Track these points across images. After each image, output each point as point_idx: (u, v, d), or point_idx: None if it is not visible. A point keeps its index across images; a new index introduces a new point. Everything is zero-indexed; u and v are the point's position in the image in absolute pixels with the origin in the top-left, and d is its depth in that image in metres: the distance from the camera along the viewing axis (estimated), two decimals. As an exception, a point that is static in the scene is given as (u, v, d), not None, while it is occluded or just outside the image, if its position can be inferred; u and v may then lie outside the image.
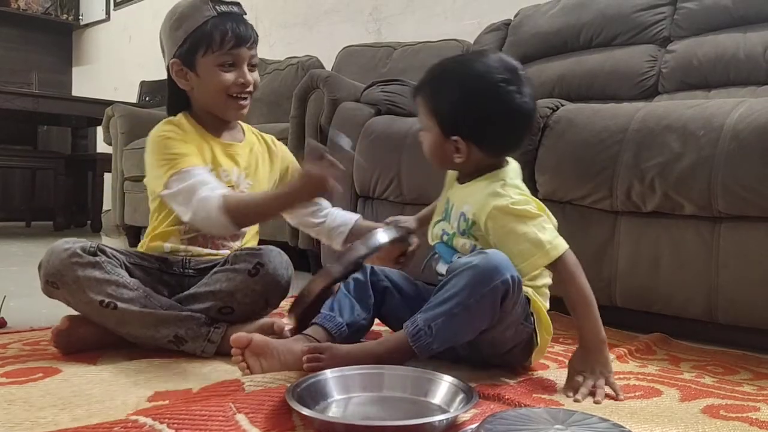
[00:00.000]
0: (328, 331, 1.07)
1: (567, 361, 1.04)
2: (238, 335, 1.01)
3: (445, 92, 1.07)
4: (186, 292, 1.19)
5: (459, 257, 1.06)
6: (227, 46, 1.24)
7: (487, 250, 0.99)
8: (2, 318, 1.39)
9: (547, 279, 1.09)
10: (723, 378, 1.10)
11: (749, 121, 1.25)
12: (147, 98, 4.13)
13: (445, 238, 1.12)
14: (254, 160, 1.35)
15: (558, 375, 1.05)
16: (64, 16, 5.23)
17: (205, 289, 1.17)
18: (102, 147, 4.05)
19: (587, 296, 0.99)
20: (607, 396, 0.95)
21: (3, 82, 4.15)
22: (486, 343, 1.02)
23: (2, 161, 3.90)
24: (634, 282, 1.41)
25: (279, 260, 1.19)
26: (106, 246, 1.17)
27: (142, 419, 0.77)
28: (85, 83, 5.21)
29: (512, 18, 2.48)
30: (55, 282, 1.11)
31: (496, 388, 0.95)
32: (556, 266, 1.01)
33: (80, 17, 5.27)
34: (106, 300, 1.10)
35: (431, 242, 1.16)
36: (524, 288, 1.02)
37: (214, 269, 1.20)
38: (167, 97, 1.36)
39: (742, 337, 1.33)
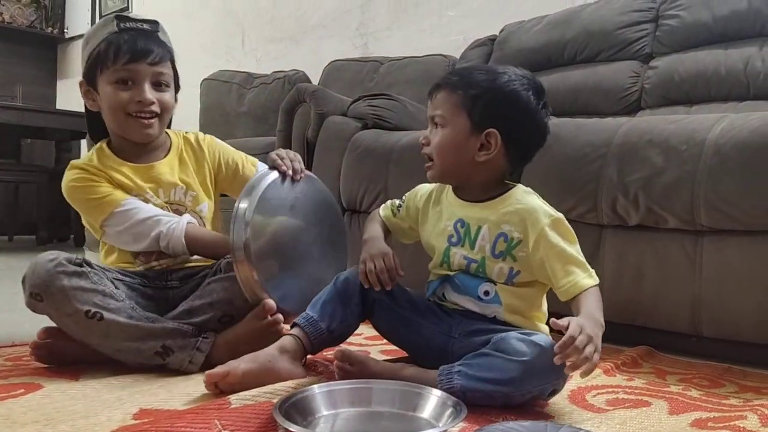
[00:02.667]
0: (307, 336, 1.06)
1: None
2: (210, 374, 0.97)
3: (480, 85, 1.05)
4: (180, 308, 1.17)
5: (485, 292, 1.05)
6: (121, 61, 1.21)
7: (543, 342, 0.91)
8: (-17, 333, 1.37)
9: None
10: (709, 391, 1.10)
11: (730, 136, 1.27)
12: (132, 112, 4.10)
13: (473, 266, 1.06)
14: (186, 170, 1.32)
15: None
16: (50, 30, 5.20)
17: (201, 302, 1.16)
18: (86, 160, 4.02)
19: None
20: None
21: (-14, 95, 4.12)
22: None
23: (-15, 175, 3.86)
24: (619, 295, 1.41)
25: None
26: (91, 260, 1.16)
27: (126, 436, 0.77)
28: (70, 96, 5.17)
29: (498, 34, 2.51)
30: (39, 294, 1.08)
31: (484, 402, 0.95)
32: (597, 290, 1.00)
33: (65, 30, 5.25)
34: (93, 310, 1.08)
35: (447, 271, 1.10)
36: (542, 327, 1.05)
37: (207, 280, 1.19)
38: (86, 122, 1.35)
39: (726, 350, 1.34)
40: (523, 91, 1.05)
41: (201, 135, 1.39)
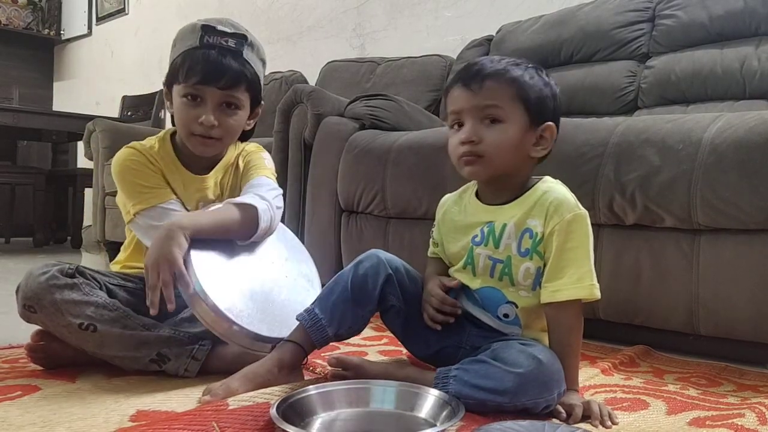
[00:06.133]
0: (310, 339, 1.02)
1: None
2: (206, 402, 0.93)
3: (528, 76, 1.00)
4: (182, 315, 1.16)
5: (505, 315, 1.02)
6: (192, 80, 1.16)
7: (541, 356, 0.90)
8: (-20, 336, 1.37)
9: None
10: (707, 390, 1.10)
11: (727, 135, 1.27)
12: (129, 113, 4.10)
13: (498, 267, 1.01)
14: (224, 185, 1.29)
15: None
16: (46, 31, 5.20)
17: None
18: (82, 162, 4.02)
19: (579, 349, 0.98)
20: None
21: (-17, 97, 4.11)
22: None
23: (-19, 177, 3.85)
24: (616, 294, 1.41)
25: None
26: (86, 268, 1.14)
27: (124, 437, 0.76)
28: (67, 98, 5.17)
29: (494, 34, 2.51)
30: (32, 306, 1.07)
31: (482, 402, 0.95)
32: (575, 306, 0.97)
33: (62, 32, 5.24)
34: (86, 322, 1.07)
35: (471, 274, 1.06)
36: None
37: None
38: (171, 121, 1.31)
39: (724, 348, 1.35)
40: (551, 81, 1.04)
41: (251, 150, 1.32)
